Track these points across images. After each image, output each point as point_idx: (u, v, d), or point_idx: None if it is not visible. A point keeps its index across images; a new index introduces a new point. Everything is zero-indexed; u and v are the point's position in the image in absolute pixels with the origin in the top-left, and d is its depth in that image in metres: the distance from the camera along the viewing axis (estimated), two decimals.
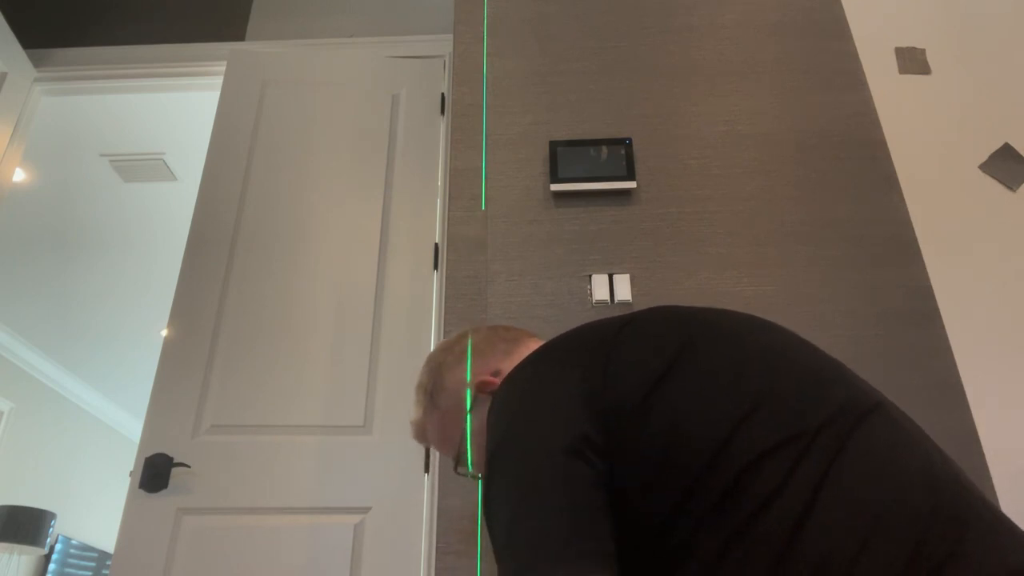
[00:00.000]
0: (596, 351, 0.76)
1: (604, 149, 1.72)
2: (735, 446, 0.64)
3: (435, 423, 1.01)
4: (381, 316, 1.99)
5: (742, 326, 0.78)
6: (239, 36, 2.62)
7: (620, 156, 1.70)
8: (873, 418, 0.66)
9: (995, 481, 1.32)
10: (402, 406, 1.89)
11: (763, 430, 0.64)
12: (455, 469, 0.99)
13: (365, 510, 1.76)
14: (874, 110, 1.75)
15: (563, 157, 1.70)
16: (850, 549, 0.56)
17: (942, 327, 1.44)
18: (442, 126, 2.31)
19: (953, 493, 0.60)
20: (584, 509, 0.65)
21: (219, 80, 2.40)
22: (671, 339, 0.75)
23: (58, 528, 4.98)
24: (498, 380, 0.96)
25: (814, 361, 0.73)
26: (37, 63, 2.58)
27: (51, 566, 4.84)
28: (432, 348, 1.97)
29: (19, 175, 3.38)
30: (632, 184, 1.67)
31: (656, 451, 0.66)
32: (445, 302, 1.60)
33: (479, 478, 1.03)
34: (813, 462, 0.61)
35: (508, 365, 0.98)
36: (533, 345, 1.03)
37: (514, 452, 0.71)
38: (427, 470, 1.82)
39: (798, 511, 0.59)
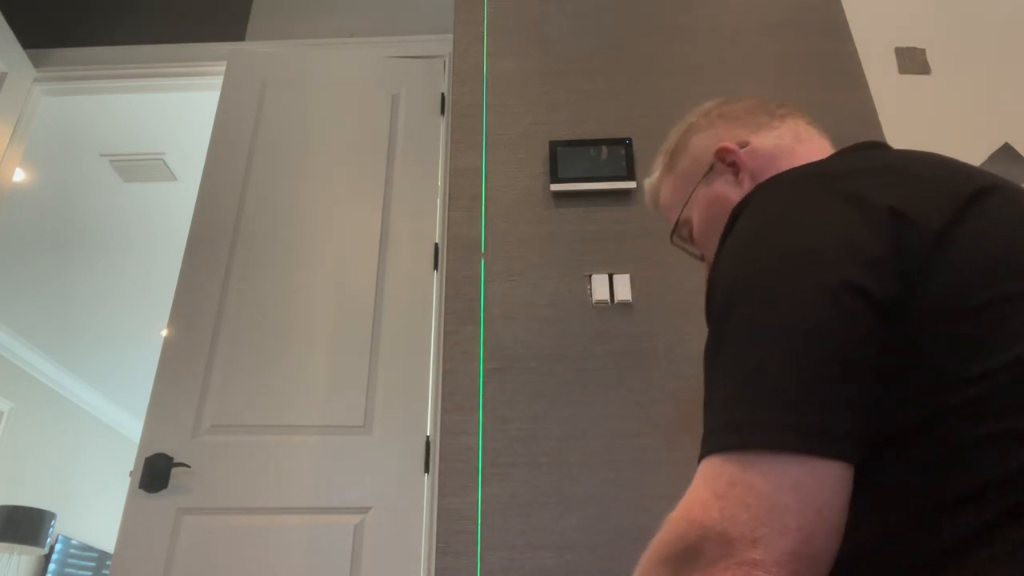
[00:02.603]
0: (941, 198, 0.54)
1: (604, 149, 1.72)
2: None
3: (668, 186, 0.92)
4: (381, 316, 1.99)
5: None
6: (239, 36, 2.62)
7: (620, 156, 1.70)
8: None
9: None
10: (402, 406, 1.89)
11: None
12: (671, 237, 0.92)
13: (365, 510, 1.76)
14: (874, 110, 1.75)
15: (563, 157, 1.70)
16: None
17: None
18: (442, 126, 2.31)
19: None
20: (844, 369, 0.48)
21: (219, 80, 2.40)
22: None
23: (58, 528, 4.98)
24: (742, 153, 0.82)
25: None
26: (37, 63, 2.58)
27: (51, 566, 4.84)
28: (432, 345, 1.97)
29: (19, 175, 3.38)
30: (632, 184, 1.67)
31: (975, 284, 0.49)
32: (445, 302, 1.60)
33: (685, 249, 0.94)
34: None
35: (760, 141, 0.83)
36: (802, 129, 0.85)
37: (771, 271, 0.54)
38: (427, 470, 1.82)
39: None
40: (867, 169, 0.59)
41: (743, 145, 0.84)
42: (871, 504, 0.50)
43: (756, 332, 0.51)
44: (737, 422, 0.49)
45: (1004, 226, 0.54)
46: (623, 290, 1.57)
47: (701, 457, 0.51)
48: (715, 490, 0.47)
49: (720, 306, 0.56)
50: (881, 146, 0.69)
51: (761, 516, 0.45)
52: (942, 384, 0.49)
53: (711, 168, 0.85)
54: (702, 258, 0.90)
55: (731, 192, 0.83)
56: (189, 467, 1.76)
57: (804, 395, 0.48)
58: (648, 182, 0.98)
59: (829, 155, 0.70)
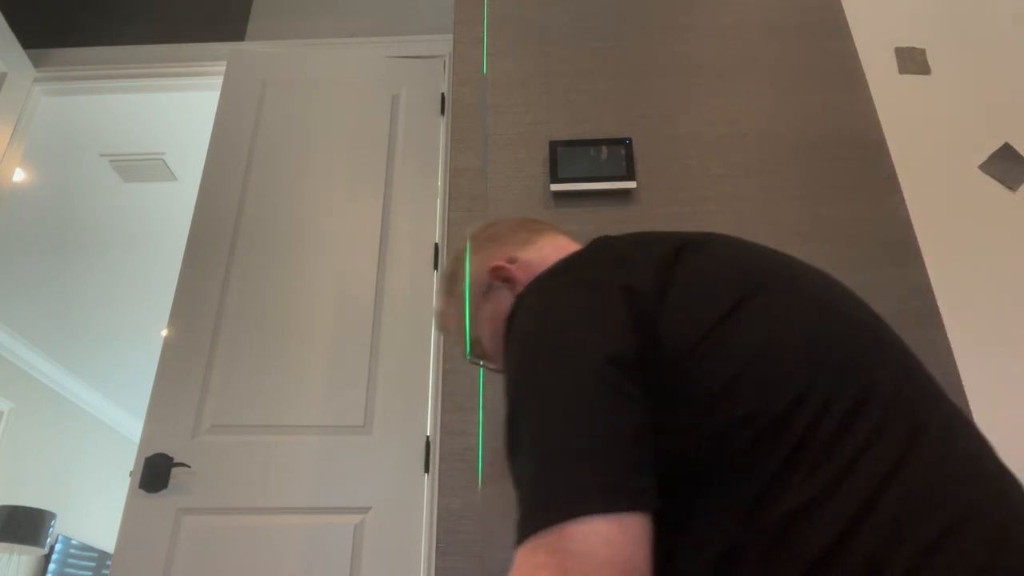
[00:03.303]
0: (654, 266, 0.66)
1: (604, 149, 1.72)
2: (810, 400, 0.56)
3: (452, 309, 1.00)
4: (381, 316, 1.99)
5: (813, 284, 0.69)
6: (239, 36, 2.62)
7: (620, 156, 1.70)
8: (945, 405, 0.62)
9: None
10: (402, 406, 1.89)
11: (841, 387, 0.57)
12: (467, 357, 0.99)
13: (365, 510, 1.76)
14: (874, 110, 1.75)
15: (563, 157, 1.70)
16: (928, 534, 0.49)
17: (942, 327, 1.44)
18: (442, 126, 2.31)
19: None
20: (624, 434, 0.55)
21: (219, 80, 2.40)
22: (739, 275, 0.66)
23: (58, 528, 4.98)
24: (513, 268, 0.92)
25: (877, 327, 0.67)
26: (37, 63, 2.58)
27: (51, 566, 4.84)
28: (432, 345, 1.97)
29: (19, 175, 3.38)
30: (632, 184, 1.67)
31: (716, 389, 0.58)
32: None
33: (482, 366, 1.02)
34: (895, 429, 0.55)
35: (526, 255, 0.93)
36: (560, 240, 0.96)
37: (544, 366, 0.60)
38: (427, 470, 1.82)
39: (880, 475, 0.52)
40: (601, 259, 0.69)
41: (512, 261, 0.93)
42: (688, 540, 0.57)
43: (544, 423, 0.57)
44: (545, 502, 0.52)
45: (706, 270, 0.66)
46: None
47: (517, 544, 0.54)
48: (537, 563, 0.50)
49: (511, 406, 0.61)
50: (609, 239, 0.77)
51: (584, 571, 0.49)
52: (700, 419, 0.58)
53: (488, 287, 0.94)
54: (502, 370, 0.93)
55: (509, 305, 0.91)
56: (189, 467, 1.76)
57: (599, 463, 0.53)
58: (436, 309, 1.05)
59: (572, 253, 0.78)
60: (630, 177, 1.68)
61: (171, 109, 3.05)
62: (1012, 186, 1.73)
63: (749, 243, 0.74)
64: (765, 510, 0.53)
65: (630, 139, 1.72)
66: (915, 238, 1.55)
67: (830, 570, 0.49)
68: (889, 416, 0.57)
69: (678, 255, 0.67)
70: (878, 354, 0.63)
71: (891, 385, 0.59)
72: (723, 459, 0.56)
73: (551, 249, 0.94)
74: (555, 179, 1.68)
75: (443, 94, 2.37)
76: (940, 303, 1.55)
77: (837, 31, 1.88)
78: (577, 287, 0.66)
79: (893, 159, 1.73)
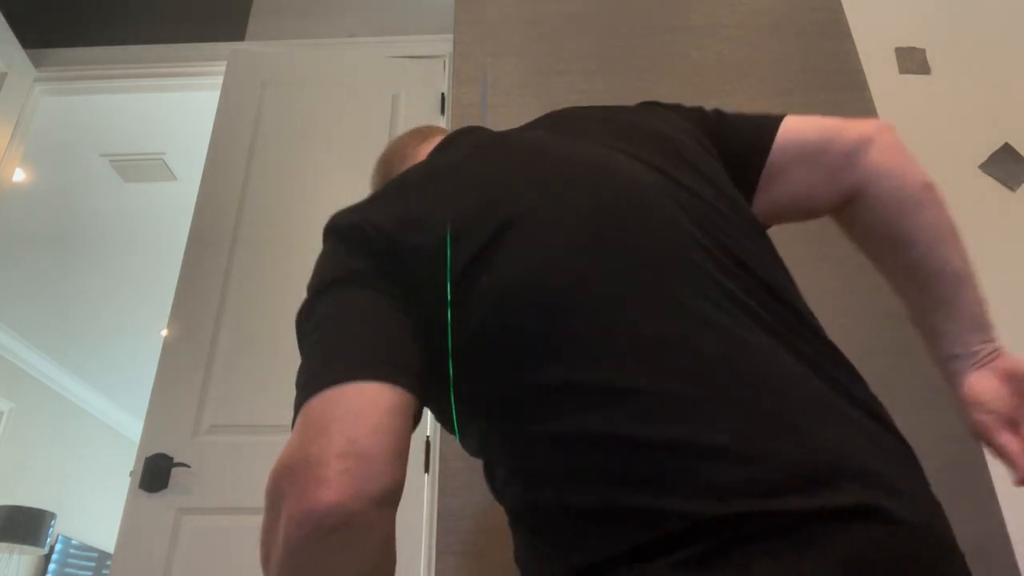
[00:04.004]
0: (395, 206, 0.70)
1: None
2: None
3: None
4: None
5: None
6: (239, 36, 2.62)
7: None
8: None
9: (996, 483, 1.32)
10: None
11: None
12: None
13: None
14: (874, 110, 1.75)
15: None
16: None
17: None
18: (442, 126, 2.31)
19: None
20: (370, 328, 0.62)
21: (219, 80, 2.40)
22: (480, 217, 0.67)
23: (58, 528, 4.98)
24: None
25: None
26: (37, 63, 2.58)
27: (51, 566, 4.84)
28: None
29: (19, 175, 3.38)
30: None
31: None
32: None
33: None
34: None
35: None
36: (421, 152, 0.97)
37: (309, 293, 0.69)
38: (427, 470, 1.82)
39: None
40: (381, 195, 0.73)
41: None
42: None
43: (308, 330, 0.65)
44: (302, 384, 0.60)
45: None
46: None
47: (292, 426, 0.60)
48: (287, 443, 0.56)
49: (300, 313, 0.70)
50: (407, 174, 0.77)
51: (310, 434, 0.54)
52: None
53: None
54: None
55: None
56: (189, 467, 1.76)
57: (339, 351, 0.60)
58: None
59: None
60: None
61: (171, 109, 3.05)
62: (1012, 186, 1.73)
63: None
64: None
65: None
66: None
67: None
68: None
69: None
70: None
71: None
72: None
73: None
74: None
75: (443, 94, 2.37)
76: None
77: (837, 31, 1.88)
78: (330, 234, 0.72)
79: None
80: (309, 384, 0.58)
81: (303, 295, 0.69)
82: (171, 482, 1.74)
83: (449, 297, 0.63)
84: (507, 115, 1.80)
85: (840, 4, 1.92)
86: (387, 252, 0.66)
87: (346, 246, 0.68)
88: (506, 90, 1.83)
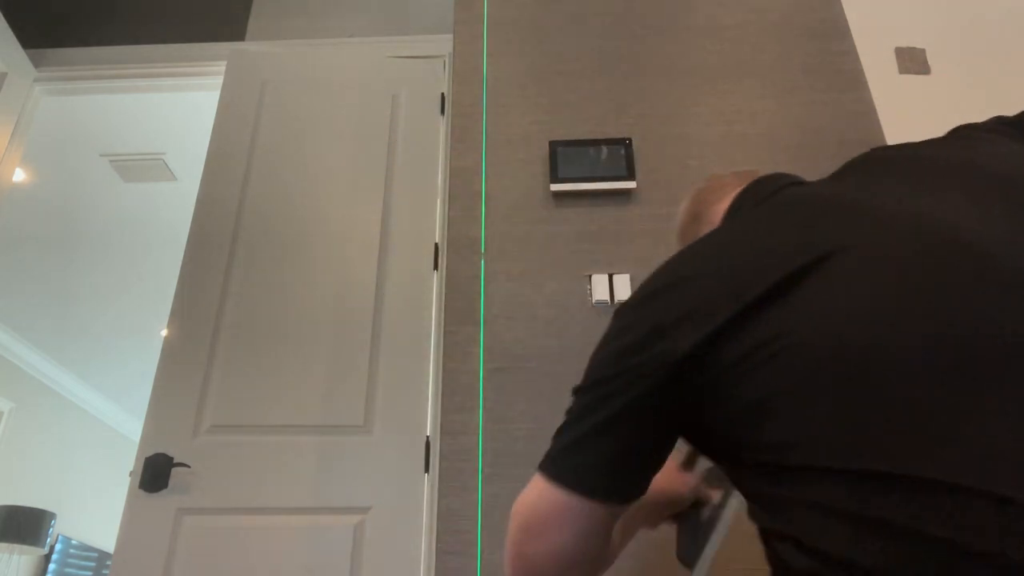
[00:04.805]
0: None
1: (604, 149, 1.72)
2: None
3: None
4: (381, 316, 1.99)
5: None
6: (239, 36, 2.62)
7: (620, 156, 1.70)
8: None
9: None
10: (402, 406, 1.89)
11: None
12: None
13: (365, 510, 1.76)
14: (874, 110, 1.75)
15: (563, 157, 1.70)
16: None
17: None
18: (442, 126, 2.31)
19: None
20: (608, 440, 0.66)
21: (219, 80, 2.40)
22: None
23: (58, 528, 4.98)
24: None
25: None
26: (37, 63, 2.58)
27: (51, 566, 4.84)
28: (432, 345, 1.97)
29: (19, 175, 3.38)
30: (632, 184, 1.67)
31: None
32: (445, 302, 1.60)
33: None
34: None
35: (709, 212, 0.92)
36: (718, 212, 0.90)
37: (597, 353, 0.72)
38: (427, 470, 1.82)
39: None
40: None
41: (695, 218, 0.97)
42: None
43: (579, 404, 0.69)
44: (552, 456, 0.68)
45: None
46: (623, 290, 1.57)
47: (539, 467, 0.69)
48: (533, 492, 0.68)
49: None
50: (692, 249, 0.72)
51: (535, 528, 0.67)
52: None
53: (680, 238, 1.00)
54: None
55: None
56: (189, 467, 1.76)
57: (579, 453, 0.66)
58: None
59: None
60: (630, 177, 1.68)
61: (171, 109, 3.05)
62: None
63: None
64: None
65: (630, 139, 1.72)
66: None
67: None
68: None
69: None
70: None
71: None
72: None
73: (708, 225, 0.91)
74: (555, 179, 1.68)
75: (443, 94, 2.37)
76: None
77: (837, 31, 1.88)
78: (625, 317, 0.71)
79: None
80: (558, 461, 0.67)
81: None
82: (171, 482, 1.74)
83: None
84: (507, 115, 1.80)
85: (840, 4, 1.92)
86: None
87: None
88: (506, 90, 1.83)
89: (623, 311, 0.70)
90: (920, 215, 0.59)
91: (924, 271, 0.54)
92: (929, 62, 1.91)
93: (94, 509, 5.49)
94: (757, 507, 0.60)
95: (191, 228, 2.09)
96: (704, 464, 0.90)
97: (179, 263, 2.06)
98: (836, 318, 0.54)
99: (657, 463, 0.68)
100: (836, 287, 0.56)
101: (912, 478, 0.48)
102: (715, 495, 0.90)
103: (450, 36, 2.48)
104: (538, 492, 0.67)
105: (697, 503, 0.93)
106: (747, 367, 0.57)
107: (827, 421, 0.52)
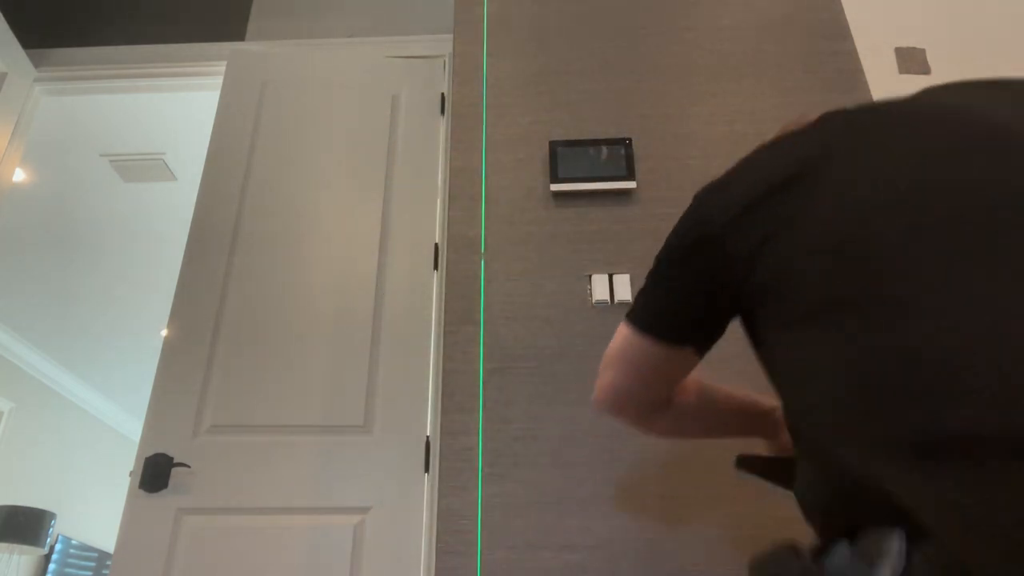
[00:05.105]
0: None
1: (604, 149, 1.72)
2: None
3: None
4: (381, 316, 1.99)
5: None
6: (239, 36, 2.62)
7: (620, 156, 1.70)
8: None
9: None
10: (402, 406, 1.89)
11: None
12: None
13: (365, 510, 1.76)
14: None
15: (563, 157, 1.70)
16: None
17: None
18: (442, 126, 2.31)
19: None
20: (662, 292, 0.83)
21: (219, 80, 2.40)
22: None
23: (58, 528, 4.98)
24: None
25: None
26: (37, 63, 2.58)
27: (51, 566, 4.85)
28: (432, 345, 1.97)
29: (19, 175, 3.38)
30: (632, 184, 1.67)
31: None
32: (445, 302, 1.60)
33: None
34: None
35: None
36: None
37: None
38: (427, 470, 1.82)
39: None
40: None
41: None
42: None
43: (651, 269, 0.85)
44: (633, 306, 0.86)
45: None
46: (623, 290, 1.57)
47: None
48: (615, 336, 0.88)
49: None
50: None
51: (609, 360, 0.87)
52: None
53: None
54: None
55: None
56: (189, 467, 1.76)
57: (644, 298, 0.84)
58: None
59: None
60: (630, 177, 1.68)
61: (171, 109, 3.05)
62: None
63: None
64: None
65: (630, 139, 1.72)
66: None
67: None
68: None
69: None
70: None
71: None
72: None
73: None
74: (555, 179, 1.68)
75: (443, 94, 2.37)
76: None
77: (837, 31, 1.88)
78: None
79: None
80: (632, 312, 0.85)
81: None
82: (171, 482, 1.74)
83: None
84: (507, 115, 1.80)
85: (840, 4, 1.92)
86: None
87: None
88: (506, 90, 1.83)
89: (693, 200, 0.85)
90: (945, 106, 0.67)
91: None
92: (929, 62, 1.91)
93: (94, 509, 5.49)
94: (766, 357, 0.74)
95: (191, 228, 2.09)
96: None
97: (179, 263, 2.06)
98: (856, 192, 0.62)
99: (695, 318, 0.80)
100: (855, 168, 0.64)
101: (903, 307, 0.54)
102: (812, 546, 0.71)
103: (450, 36, 2.48)
104: (616, 333, 0.86)
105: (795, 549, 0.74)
106: (766, 241, 0.68)
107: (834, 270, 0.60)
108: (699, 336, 0.82)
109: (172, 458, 1.76)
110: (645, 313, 0.83)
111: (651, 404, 0.88)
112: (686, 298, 0.79)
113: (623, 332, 0.84)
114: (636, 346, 0.82)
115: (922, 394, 0.50)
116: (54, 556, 4.87)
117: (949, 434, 0.48)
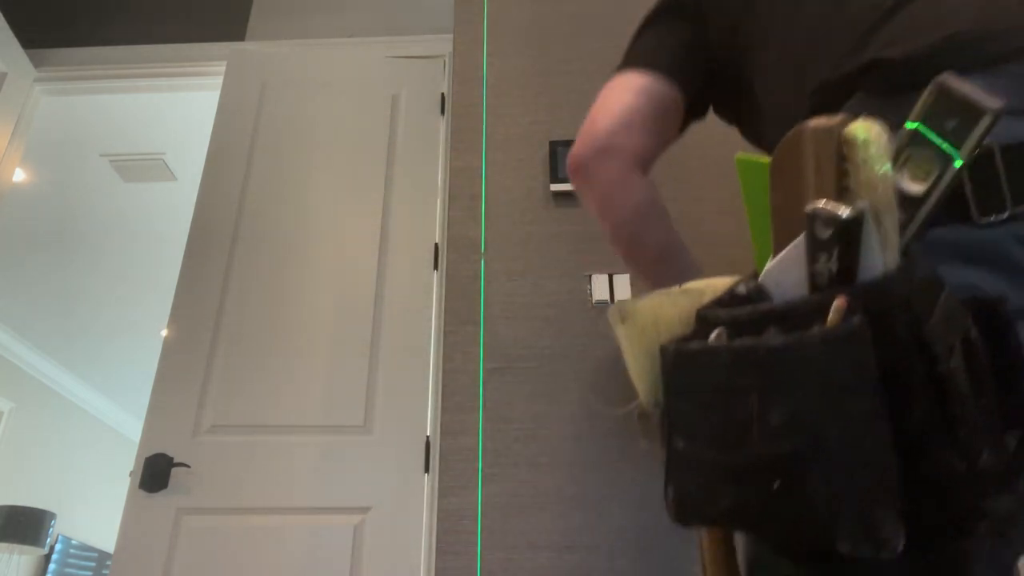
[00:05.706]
0: None
1: None
2: None
3: None
4: (381, 316, 1.99)
5: None
6: (239, 36, 2.62)
7: None
8: None
9: None
10: (402, 406, 1.89)
11: None
12: None
13: (365, 510, 1.76)
14: None
15: (563, 157, 1.70)
16: None
17: None
18: (442, 126, 2.31)
19: None
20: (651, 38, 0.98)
21: (219, 80, 2.40)
22: None
23: (58, 528, 4.98)
24: None
25: None
26: (37, 63, 2.58)
27: (51, 566, 4.85)
28: (432, 345, 1.97)
29: (19, 175, 3.38)
30: None
31: None
32: (445, 302, 1.60)
33: None
34: None
35: None
36: None
37: None
38: (427, 470, 1.82)
39: None
40: None
41: None
42: None
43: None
44: (621, 62, 0.96)
45: None
46: (623, 290, 1.57)
47: None
48: (604, 90, 0.97)
49: None
50: None
51: (600, 104, 0.92)
52: None
53: None
54: None
55: None
56: (189, 467, 1.76)
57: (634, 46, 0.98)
58: None
59: None
60: None
61: (171, 109, 3.05)
62: None
63: None
64: None
65: None
66: None
67: None
68: None
69: None
70: None
71: None
72: None
73: None
74: (555, 179, 1.68)
75: (443, 94, 2.37)
76: None
77: None
78: None
79: None
80: (621, 64, 0.96)
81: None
82: (171, 482, 1.74)
83: None
84: (507, 115, 1.80)
85: None
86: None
87: None
88: (506, 90, 1.83)
89: None
90: None
91: None
92: None
93: (94, 509, 5.49)
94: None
95: (191, 228, 2.09)
96: None
97: (179, 263, 2.06)
98: None
99: (674, 55, 0.92)
100: None
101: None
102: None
103: (450, 36, 2.48)
104: (602, 90, 0.92)
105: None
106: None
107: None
108: (686, 72, 0.91)
109: (172, 458, 1.76)
110: (631, 56, 0.94)
111: (639, 151, 0.91)
112: (671, 33, 0.92)
113: (614, 80, 0.92)
114: (629, 81, 0.90)
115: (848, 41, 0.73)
116: (54, 556, 4.87)
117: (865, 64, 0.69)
